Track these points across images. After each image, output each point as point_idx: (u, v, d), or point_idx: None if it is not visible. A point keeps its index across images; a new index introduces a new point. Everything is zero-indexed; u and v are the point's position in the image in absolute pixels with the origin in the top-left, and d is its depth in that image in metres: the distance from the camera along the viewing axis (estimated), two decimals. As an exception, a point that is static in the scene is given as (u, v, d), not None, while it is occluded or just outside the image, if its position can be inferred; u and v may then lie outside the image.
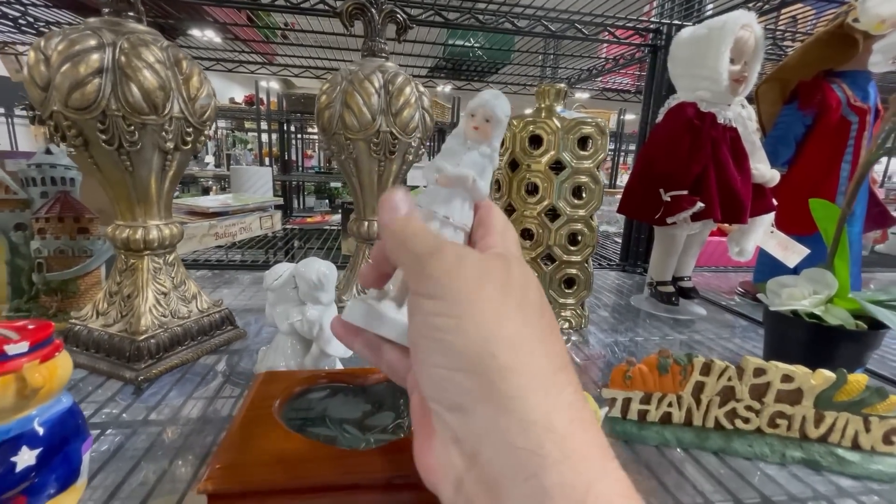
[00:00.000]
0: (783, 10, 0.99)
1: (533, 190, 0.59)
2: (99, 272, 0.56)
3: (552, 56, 1.24)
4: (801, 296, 0.47)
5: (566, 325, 0.63)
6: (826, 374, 0.36)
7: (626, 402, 0.38)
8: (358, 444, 0.28)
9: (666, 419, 0.38)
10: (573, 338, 0.61)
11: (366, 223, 0.57)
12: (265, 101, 3.01)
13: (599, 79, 1.36)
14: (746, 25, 0.59)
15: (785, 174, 0.70)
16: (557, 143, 0.56)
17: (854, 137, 0.68)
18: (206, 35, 1.24)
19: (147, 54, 0.39)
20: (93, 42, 0.38)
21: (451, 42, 1.10)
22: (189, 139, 0.44)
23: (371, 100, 0.49)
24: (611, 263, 1.04)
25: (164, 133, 0.42)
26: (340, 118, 0.50)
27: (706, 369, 0.37)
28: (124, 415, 0.39)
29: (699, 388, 0.37)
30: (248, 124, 4.33)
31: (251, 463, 0.24)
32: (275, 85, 3.31)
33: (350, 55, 1.20)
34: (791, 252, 0.65)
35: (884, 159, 3.16)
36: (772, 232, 0.68)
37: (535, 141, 0.58)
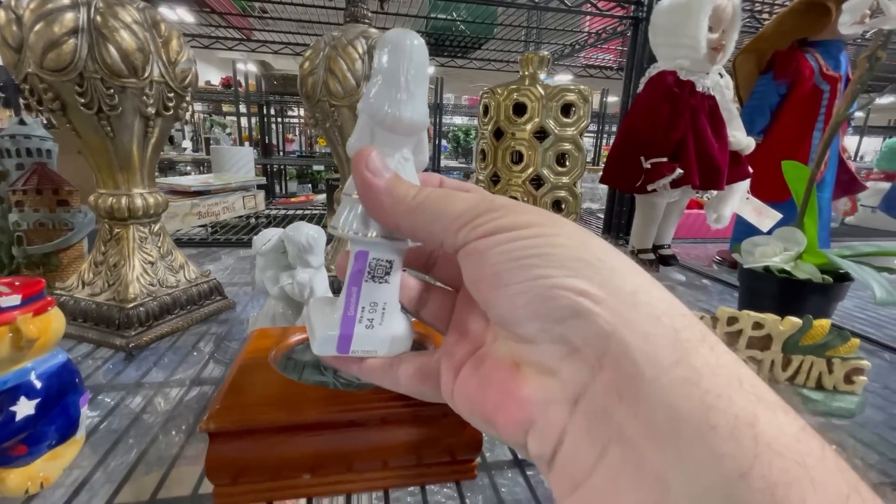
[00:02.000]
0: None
1: (518, 159, 0.60)
2: (82, 245, 0.55)
3: (535, 30, 1.23)
4: (772, 253, 0.49)
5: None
6: (793, 320, 0.38)
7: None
8: (351, 387, 0.29)
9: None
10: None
11: (352, 193, 0.57)
12: (243, 84, 2.93)
13: (582, 55, 1.36)
14: (724, -7, 0.60)
15: (760, 142, 0.72)
16: (541, 111, 0.57)
17: (826, 106, 0.70)
18: (178, 14, 1.21)
19: (124, 14, 0.39)
20: (66, 0, 0.37)
21: (433, 15, 1.08)
22: (171, 104, 0.44)
23: (355, 65, 0.49)
24: (594, 237, 1.06)
25: (144, 97, 0.41)
26: (324, 84, 0.50)
27: (683, 319, 0.39)
28: (118, 379, 0.39)
29: (677, 338, 0.39)
30: (225, 108, 4.21)
31: (251, 404, 0.24)
32: (252, 67, 3.22)
33: (331, 31, 1.18)
34: (765, 217, 0.67)
35: (856, 137, 3.25)
36: (747, 199, 0.70)
37: (519, 109, 0.58)
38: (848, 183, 0.75)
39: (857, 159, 3.55)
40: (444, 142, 3.53)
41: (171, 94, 0.44)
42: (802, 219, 0.49)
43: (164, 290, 0.47)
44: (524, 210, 0.16)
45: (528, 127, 0.58)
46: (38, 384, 0.26)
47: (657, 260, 0.74)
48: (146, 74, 0.40)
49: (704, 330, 0.14)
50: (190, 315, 0.49)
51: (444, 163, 2.87)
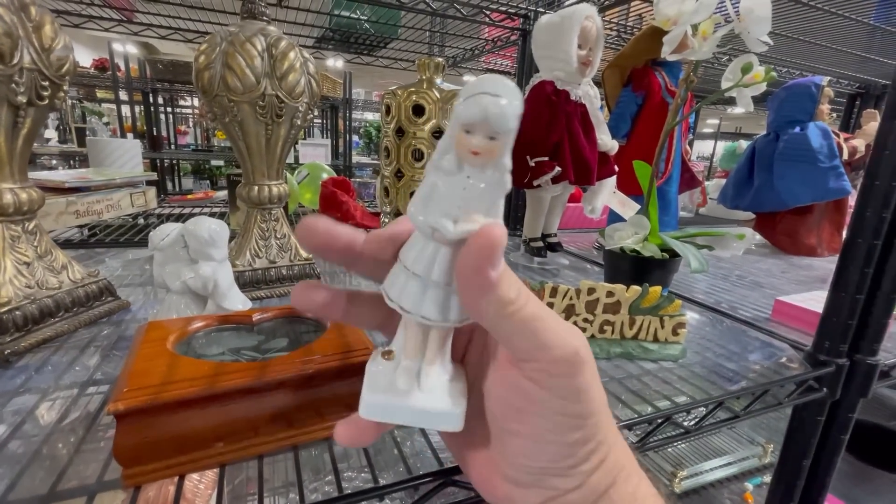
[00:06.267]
0: (632, 8, 1.17)
1: (420, 156, 0.65)
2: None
3: (439, 34, 1.30)
4: (627, 236, 0.60)
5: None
6: (635, 288, 0.48)
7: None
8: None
9: (527, 335, 0.48)
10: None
11: (255, 188, 0.57)
12: (122, 68, 2.63)
13: (483, 59, 1.46)
14: (589, 17, 0.70)
15: (623, 145, 0.86)
16: (438, 112, 0.62)
17: (671, 116, 0.85)
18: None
19: (-15, -5, 0.36)
20: (-90, -24, 0.33)
21: (336, 12, 1.09)
22: (45, 94, 0.41)
23: (254, 62, 0.50)
24: (496, 228, 1.15)
25: (13, 85, 0.39)
26: (222, 79, 0.50)
27: (553, 292, 0.47)
28: (-7, 387, 0.36)
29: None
30: (101, 94, 3.71)
31: (159, 383, 0.26)
32: (133, 49, 2.88)
33: (226, 18, 1.13)
34: (627, 208, 0.80)
35: (712, 142, 3.85)
36: (614, 193, 0.83)
37: (418, 110, 0.63)
38: (690, 179, 0.91)
39: (714, 160, 4.21)
40: (355, 138, 3.48)
41: (46, 83, 0.41)
42: (648, 208, 0.60)
43: (45, 293, 0.44)
44: (589, 377, 0.19)
45: (427, 127, 0.63)
46: None
47: (545, 247, 0.84)
48: (15, 61, 0.38)
49: (633, 468, 0.20)
50: (77, 318, 0.46)
51: (356, 159, 2.84)
